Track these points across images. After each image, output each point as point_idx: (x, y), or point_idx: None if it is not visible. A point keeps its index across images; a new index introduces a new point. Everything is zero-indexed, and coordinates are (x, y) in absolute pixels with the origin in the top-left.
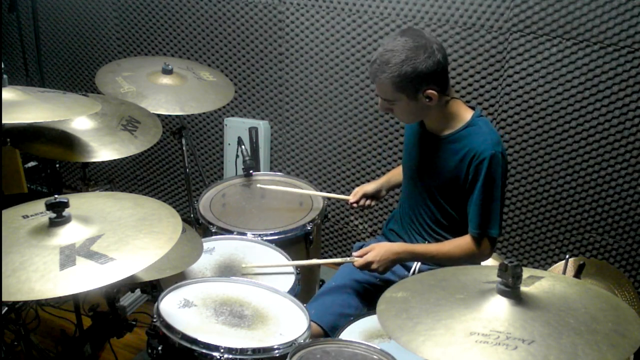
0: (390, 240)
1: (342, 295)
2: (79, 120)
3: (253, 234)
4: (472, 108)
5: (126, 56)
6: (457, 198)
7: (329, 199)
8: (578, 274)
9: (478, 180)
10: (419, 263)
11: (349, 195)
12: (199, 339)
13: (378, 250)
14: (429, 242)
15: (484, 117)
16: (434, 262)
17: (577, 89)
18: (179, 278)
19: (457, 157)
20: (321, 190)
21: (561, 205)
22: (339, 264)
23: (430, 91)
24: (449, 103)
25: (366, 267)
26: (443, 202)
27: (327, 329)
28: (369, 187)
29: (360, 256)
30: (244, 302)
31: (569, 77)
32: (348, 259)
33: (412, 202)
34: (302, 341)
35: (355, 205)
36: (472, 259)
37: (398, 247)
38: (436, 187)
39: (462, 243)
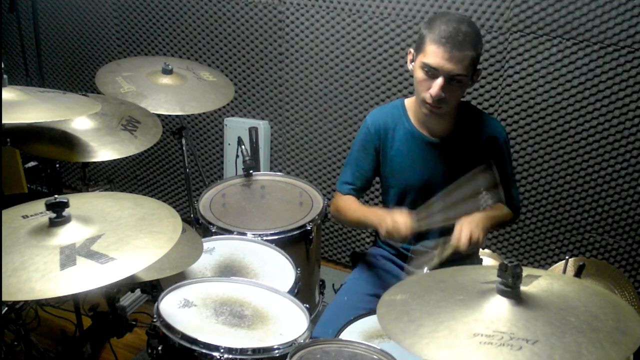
0: (391, 246)
1: (356, 312)
2: (79, 120)
3: (253, 234)
4: None
5: (126, 56)
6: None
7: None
8: (578, 274)
9: (505, 159)
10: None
11: None
12: (199, 339)
13: (468, 222)
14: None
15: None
16: (497, 227)
17: (577, 89)
18: (179, 278)
19: (479, 142)
20: (321, 190)
21: (561, 205)
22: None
23: (478, 71)
24: None
25: (471, 242)
26: None
27: None
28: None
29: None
30: (244, 302)
31: (569, 77)
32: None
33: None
34: (302, 341)
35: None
36: (508, 225)
37: (478, 216)
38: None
39: (508, 212)
